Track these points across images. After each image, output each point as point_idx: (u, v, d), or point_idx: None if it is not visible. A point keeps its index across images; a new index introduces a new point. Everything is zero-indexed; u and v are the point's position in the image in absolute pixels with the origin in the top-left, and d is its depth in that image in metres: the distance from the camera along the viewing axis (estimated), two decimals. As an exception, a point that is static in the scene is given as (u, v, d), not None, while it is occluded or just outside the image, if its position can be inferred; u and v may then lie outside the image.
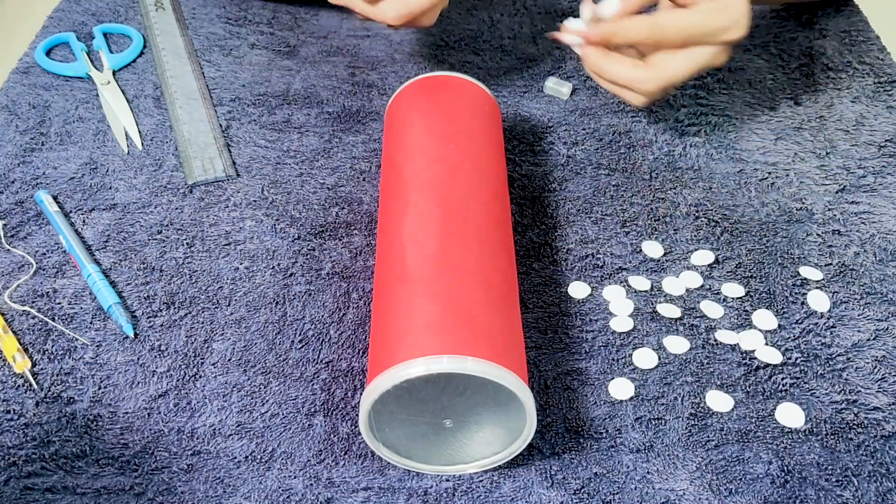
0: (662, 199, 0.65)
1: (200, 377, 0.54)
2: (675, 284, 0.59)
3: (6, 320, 0.57)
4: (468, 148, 0.56)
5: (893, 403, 0.52)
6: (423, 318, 0.45)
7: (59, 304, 0.58)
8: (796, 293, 0.58)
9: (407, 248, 0.49)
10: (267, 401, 0.53)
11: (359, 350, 0.55)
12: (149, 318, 0.57)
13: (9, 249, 0.61)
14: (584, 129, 0.70)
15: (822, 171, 0.67)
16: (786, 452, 0.50)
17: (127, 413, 0.52)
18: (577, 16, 0.64)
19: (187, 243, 0.62)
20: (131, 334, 0.56)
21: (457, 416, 0.46)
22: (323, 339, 0.56)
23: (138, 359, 0.55)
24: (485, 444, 0.48)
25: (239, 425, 0.52)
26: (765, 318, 0.57)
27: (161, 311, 0.58)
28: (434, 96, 0.59)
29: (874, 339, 0.56)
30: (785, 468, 0.50)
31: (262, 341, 0.56)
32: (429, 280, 0.47)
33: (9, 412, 0.52)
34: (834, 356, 0.55)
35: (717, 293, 0.59)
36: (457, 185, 0.53)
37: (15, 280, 0.59)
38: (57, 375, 0.54)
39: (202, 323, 0.57)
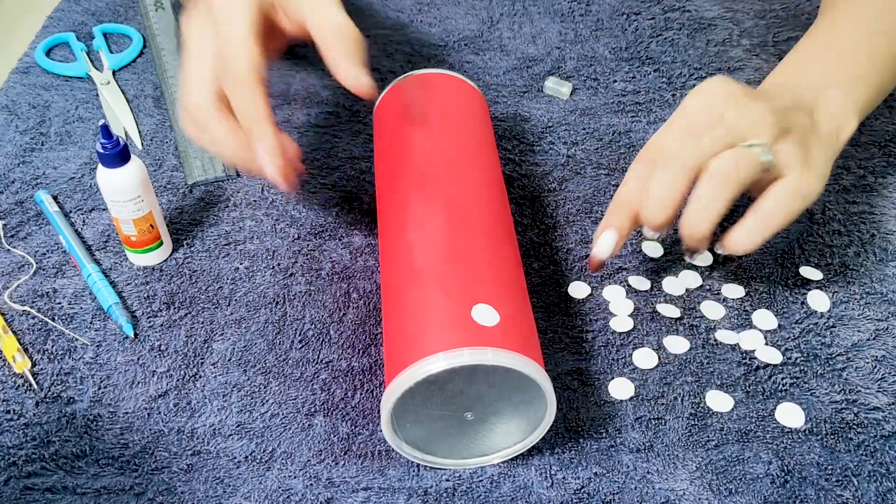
0: (662, 199, 0.65)
1: (200, 377, 0.54)
2: (675, 284, 0.59)
3: (6, 320, 0.57)
4: (463, 142, 0.56)
5: (893, 403, 0.52)
6: (438, 312, 0.46)
7: (59, 304, 0.58)
8: (796, 293, 0.58)
9: (414, 244, 0.50)
10: (267, 401, 0.53)
11: (359, 350, 0.55)
12: (149, 318, 0.57)
13: (9, 249, 0.61)
14: (584, 129, 0.70)
15: (822, 171, 0.67)
16: (786, 452, 0.50)
17: (127, 413, 0.52)
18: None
19: (187, 243, 0.62)
20: (131, 334, 0.56)
21: (477, 407, 0.47)
22: (323, 339, 0.56)
23: (138, 359, 0.55)
24: (504, 435, 0.48)
25: (239, 425, 0.52)
26: (765, 318, 0.57)
27: (161, 311, 0.58)
28: (422, 94, 0.60)
29: (874, 339, 0.56)
30: (785, 468, 0.50)
31: (262, 341, 0.56)
32: (440, 275, 0.47)
33: (9, 412, 0.52)
34: (834, 356, 0.55)
35: (717, 293, 0.59)
36: (456, 179, 0.53)
37: (15, 280, 0.59)
38: (57, 375, 0.54)
39: (202, 323, 0.57)
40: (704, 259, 0.58)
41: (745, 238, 0.51)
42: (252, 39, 0.52)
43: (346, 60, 0.52)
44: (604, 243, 0.53)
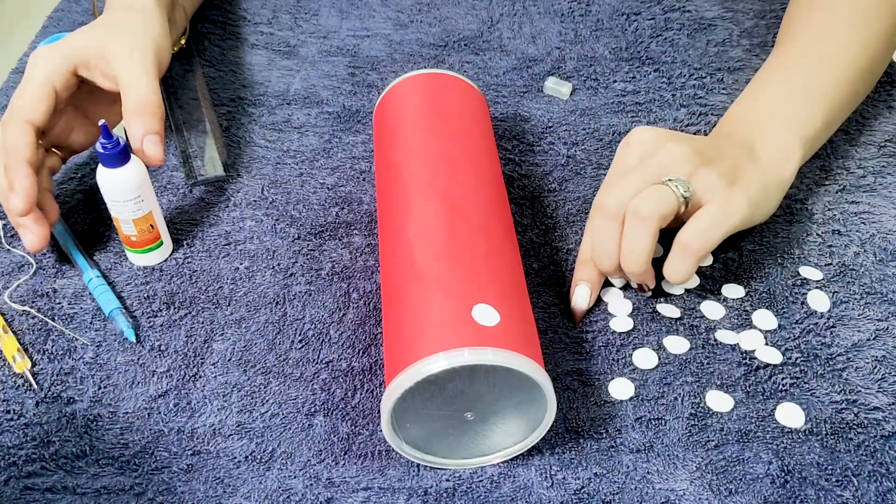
0: (662, 199, 0.65)
1: (200, 377, 0.54)
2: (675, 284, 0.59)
3: (6, 320, 0.57)
4: (463, 142, 0.56)
5: (893, 403, 0.52)
6: (438, 312, 0.46)
7: (59, 304, 0.58)
8: (796, 293, 0.58)
9: (414, 244, 0.50)
10: (267, 401, 0.53)
11: (359, 350, 0.55)
12: (149, 318, 0.57)
13: (9, 249, 0.61)
14: (584, 129, 0.70)
15: (822, 171, 0.67)
16: (786, 452, 0.50)
17: (127, 413, 0.52)
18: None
19: (187, 243, 0.62)
20: (133, 339, 0.56)
21: (478, 407, 0.47)
22: (323, 339, 0.56)
23: (138, 359, 0.55)
24: (504, 435, 0.48)
25: (239, 425, 0.52)
26: (765, 318, 0.57)
27: (161, 311, 0.58)
28: (423, 94, 0.60)
29: (874, 339, 0.56)
30: (785, 468, 0.50)
31: (262, 341, 0.56)
32: (440, 275, 0.47)
33: (9, 412, 0.52)
34: (834, 356, 0.55)
35: (717, 293, 0.59)
36: (457, 179, 0.53)
37: (15, 280, 0.59)
38: (57, 375, 0.54)
39: (202, 323, 0.57)
40: (679, 290, 0.59)
41: (677, 267, 0.53)
42: (41, 88, 0.56)
43: (139, 131, 0.56)
44: (580, 296, 0.57)
